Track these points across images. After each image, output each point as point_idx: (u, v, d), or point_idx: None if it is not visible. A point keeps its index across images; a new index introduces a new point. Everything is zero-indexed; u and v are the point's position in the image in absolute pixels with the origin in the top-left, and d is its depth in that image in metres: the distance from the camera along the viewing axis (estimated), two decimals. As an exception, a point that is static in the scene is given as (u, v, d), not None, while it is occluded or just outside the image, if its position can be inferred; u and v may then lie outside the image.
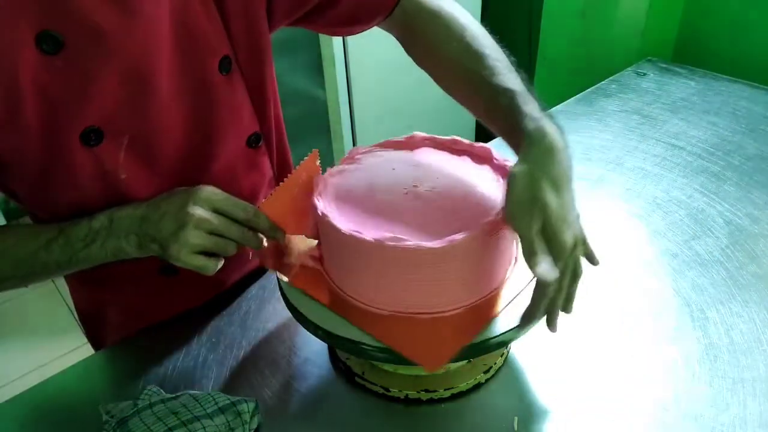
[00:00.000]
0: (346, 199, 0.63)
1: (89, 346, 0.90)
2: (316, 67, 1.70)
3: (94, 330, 0.86)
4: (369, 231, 0.56)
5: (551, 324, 0.56)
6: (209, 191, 0.62)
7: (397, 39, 0.75)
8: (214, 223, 0.60)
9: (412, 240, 0.54)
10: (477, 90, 0.65)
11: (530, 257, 0.51)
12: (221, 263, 0.63)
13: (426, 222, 0.58)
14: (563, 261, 0.52)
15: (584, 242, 0.57)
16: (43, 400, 0.70)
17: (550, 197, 0.52)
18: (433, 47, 0.70)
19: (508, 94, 0.60)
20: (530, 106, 0.58)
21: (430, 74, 0.73)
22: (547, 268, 0.51)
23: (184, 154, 0.68)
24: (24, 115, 0.56)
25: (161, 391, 0.64)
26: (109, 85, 0.58)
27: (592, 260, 0.60)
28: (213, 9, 0.63)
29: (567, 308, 0.57)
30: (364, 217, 0.60)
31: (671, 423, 0.61)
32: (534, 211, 0.51)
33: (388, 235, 0.55)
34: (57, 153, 0.60)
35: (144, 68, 0.59)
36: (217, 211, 0.61)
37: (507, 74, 0.63)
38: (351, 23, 0.74)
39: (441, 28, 0.69)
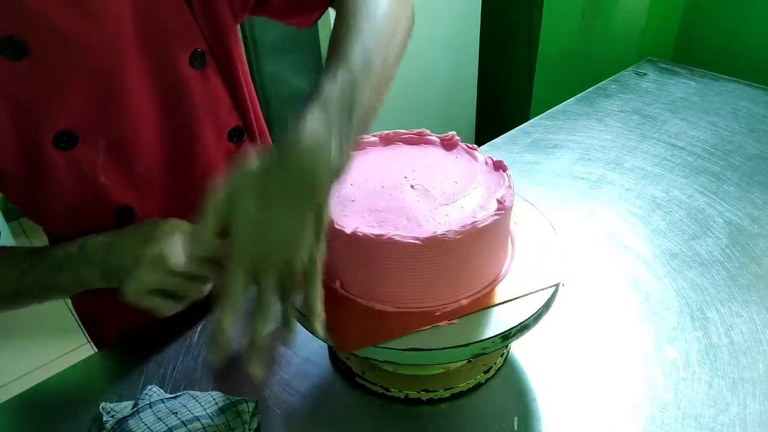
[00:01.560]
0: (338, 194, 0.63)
1: (89, 346, 0.90)
2: (316, 67, 1.70)
3: (94, 331, 0.86)
4: (358, 224, 0.56)
5: (247, 365, 0.47)
6: (174, 223, 0.59)
7: None
8: (171, 262, 0.56)
9: (405, 233, 0.54)
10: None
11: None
12: (179, 307, 0.59)
13: (416, 216, 0.58)
14: (240, 271, 0.47)
15: (287, 275, 0.47)
16: (43, 400, 0.70)
17: (245, 204, 0.46)
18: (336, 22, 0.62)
19: (322, 84, 0.50)
20: (320, 105, 0.48)
21: None
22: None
23: (163, 154, 0.66)
24: None
25: (161, 391, 0.64)
26: (78, 87, 0.57)
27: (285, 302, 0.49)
28: (181, 2, 0.62)
29: (256, 333, 0.48)
30: (355, 210, 0.60)
31: (671, 423, 0.62)
32: (224, 206, 0.46)
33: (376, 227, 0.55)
34: (35, 158, 0.59)
35: (112, 69, 0.59)
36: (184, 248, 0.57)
37: (346, 66, 0.52)
38: (294, 14, 0.74)
39: (349, 6, 0.61)
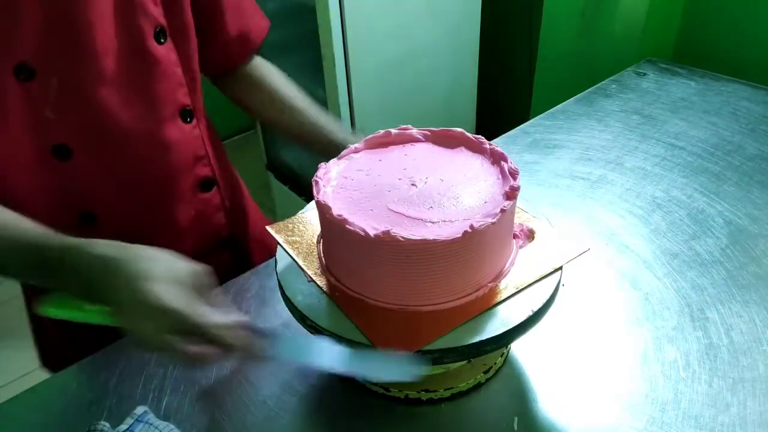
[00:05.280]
0: (346, 191, 0.63)
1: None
2: (316, 67, 1.70)
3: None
4: (366, 222, 0.56)
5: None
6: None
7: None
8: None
9: (412, 233, 0.54)
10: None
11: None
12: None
13: (423, 214, 0.58)
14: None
15: None
16: (43, 401, 0.70)
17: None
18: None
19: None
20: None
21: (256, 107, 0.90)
22: None
23: (116, 111, 0.71)
24: None
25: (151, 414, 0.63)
26: (32, 17, 0.62)
27: None
28: None
29: None
30: (362, 209, 0.60)
31: (671, 423, 0.62)
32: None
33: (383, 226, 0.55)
34: None
35: (75, 15, 0.64)
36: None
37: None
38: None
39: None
